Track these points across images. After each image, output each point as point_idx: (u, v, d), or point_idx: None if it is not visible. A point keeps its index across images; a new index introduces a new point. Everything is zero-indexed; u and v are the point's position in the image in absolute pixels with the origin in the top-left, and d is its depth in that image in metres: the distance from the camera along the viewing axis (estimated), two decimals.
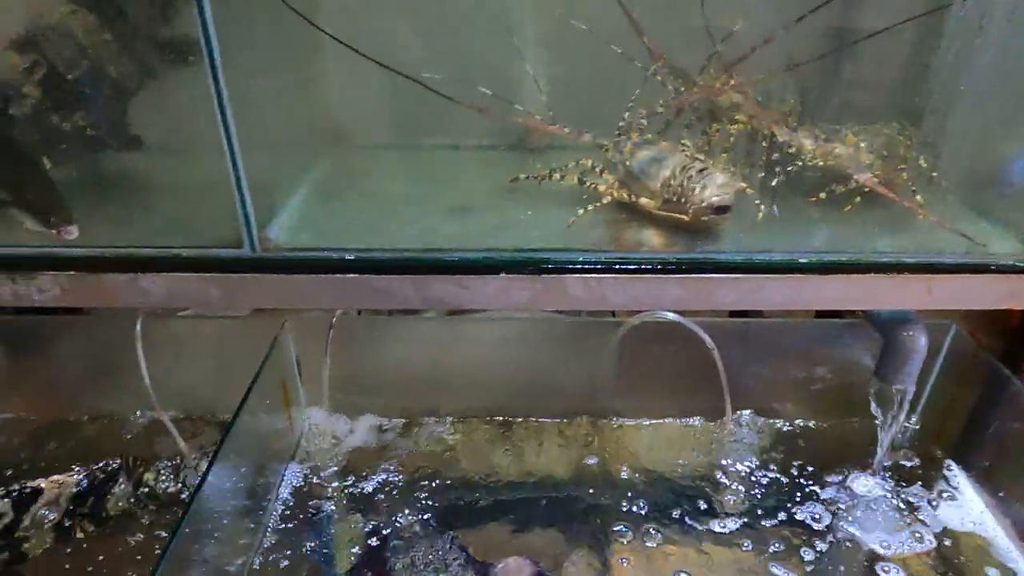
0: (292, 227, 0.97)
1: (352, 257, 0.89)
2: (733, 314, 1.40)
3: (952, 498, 1.05)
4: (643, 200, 0.98)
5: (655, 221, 1.01)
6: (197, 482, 0.79)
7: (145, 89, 0.92)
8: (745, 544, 0.99)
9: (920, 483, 1.08)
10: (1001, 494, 1.02)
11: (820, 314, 1.30)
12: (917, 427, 1.17)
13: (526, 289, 0.92)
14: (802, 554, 0.97)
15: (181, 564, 0.77)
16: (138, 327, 1.02)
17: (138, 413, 1.17)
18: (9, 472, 1.09)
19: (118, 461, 1.08)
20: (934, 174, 1.06)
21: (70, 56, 0.88)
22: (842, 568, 0.96)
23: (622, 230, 0.99)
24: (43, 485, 1.06)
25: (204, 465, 0.92)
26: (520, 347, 1.21)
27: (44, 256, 0.88)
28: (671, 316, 1.12)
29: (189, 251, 0.89)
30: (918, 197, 1.03)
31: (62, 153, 0.91)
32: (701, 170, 0.92)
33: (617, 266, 0.91)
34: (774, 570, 0.95)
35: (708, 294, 0.93)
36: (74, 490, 1.06)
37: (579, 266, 0.91)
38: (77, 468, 1.09)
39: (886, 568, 0.95)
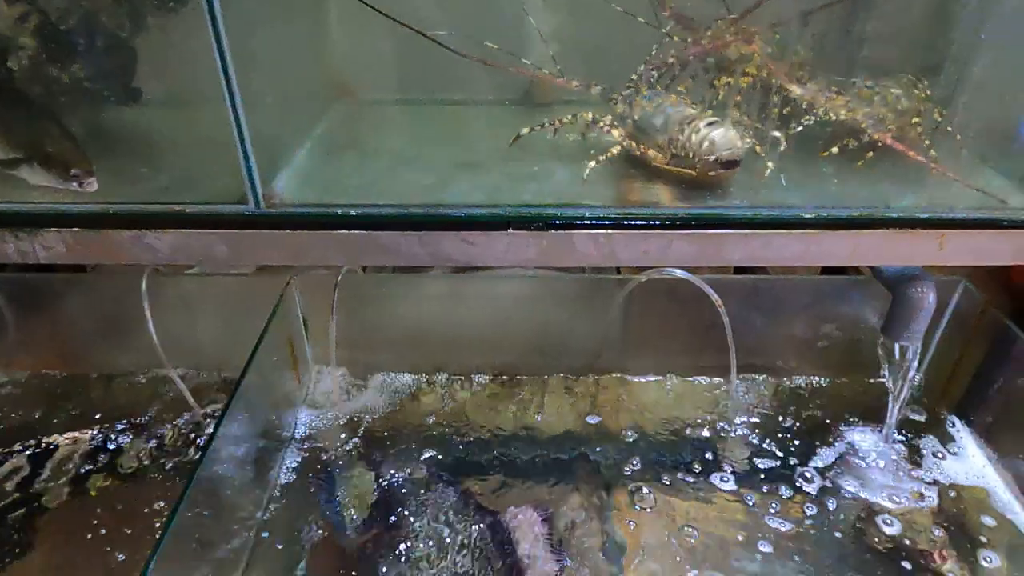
0: (298, 183, 0.96)
1: (358, 213, 0.89)
2: (738, 271, 1.40)
3: (955, 453, 1.06)
4: (651, 153, 0.96)
5: (664, 176, 0.99)
6: (205, 441, 0.79)
7: (141, 38, 0.90)
8: (748, 498, 1.01)
9: (924, 438, 1.09)
10: (1003, 449, 1.02)
11: (826, 271, 1.29)
12: (922, 382, 1.17)
13: (533, 245, 0.92)
14: (805, 509, 0.99)
15: (190, 523, 0.78)
16: (144, 284, 1.02)
17: (147, 370, 1.18)
18: (23, 428, 1.10)
19: (129, 419, 1.09)
20: (949, 128, 1.04)
21: (61, 4, 0.85)
22: (844, 522, 0.97)
23: (631, 185, 0.98)
24: (59, 441, 1.08)
25: (213, 422, 0.93)
26: (526, 304, 1.21)
27: (48, 212, 0.87)
28: (678, 273, 1.11)
29: (194, 207, 0.88)
30: (932, 152, 1.02)
31: (63, 107, 0.90)
32: (709, 123, 0.91)
33: (626, 222, 0.91)
34: (776, 524, 0.96)
35: (717, 250, 0.93)
36: (89, 446, 1.07)
37: (587, 222, 0.90)
38: (91, 425, 1.10)
39: (888, 521, 0.97)
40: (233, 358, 1.02)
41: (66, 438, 1.08)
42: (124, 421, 1.10)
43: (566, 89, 1.10)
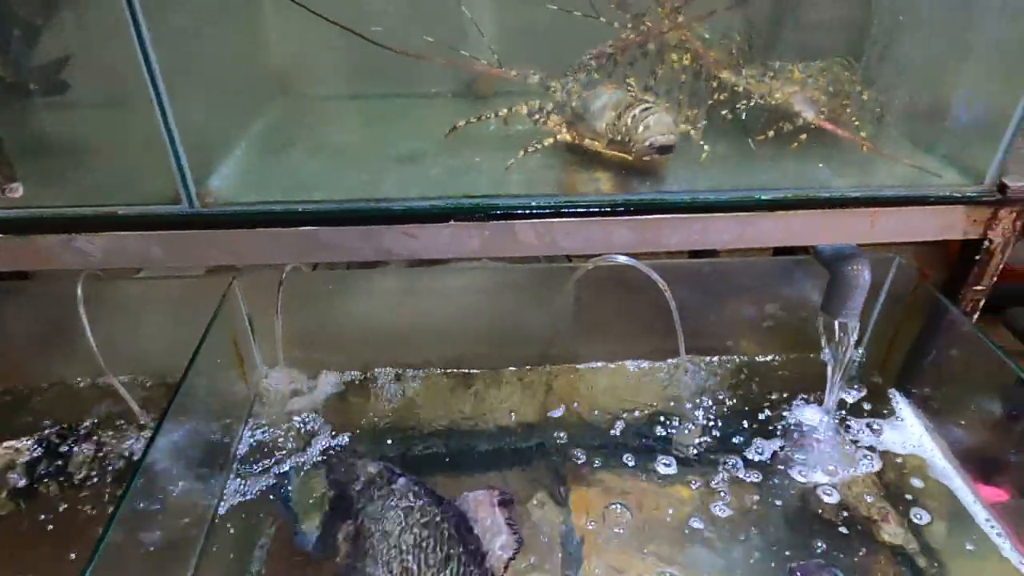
0: (235, 181, 0.95)
1: (296, 210, 0.88)
2: (694, 255, 1.42)
3: (893, 424, 1.10)
4: (588, 140, 0.97)
5: (604, 163, 1.01)
6: (142, 450, 0.78)
7: (60, 31, 0.87)
8: (695, 476, 1.02)
9: (864, 411, 1.12)
10: (938, 417, 1.06)
11: (778, 251, 1.32)
12: (863, 358, 1.21)
13: (476, 236, 0.92)
14: (750, 484, 1.01)
15: (136, 526, 0.77)
16: (79, 290, 0.99)
17: (88, 379, 1.15)
18: None
19: (72, 427, 1.07)
20: (877, 110, 1.07)
21: None
22: (788, 495, 1.00)
23: (571, 173, 0.99)
24: None
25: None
26: (480, 296, 1.21)
27: None
28: (623, 259, 1.12)
29: (126, 209, 0.86)
30: (862, 133, 1.05)
31: None
32: (644, 109, 0.92)
33: (566, 210, 0.91)
34: (724, 501, 0.98)
35: (656, 235, 0.94)
36: (28, 457, 1.04)
37: (528, 211, 0.91)
38: (32, 434, 1.07)
39: (828, 491, 0.99)
40: (181, 363, 1.00)
41: (4, 447, 1.05)
42: (61, 427, 1.08)
43: (510, 80, 1.11)
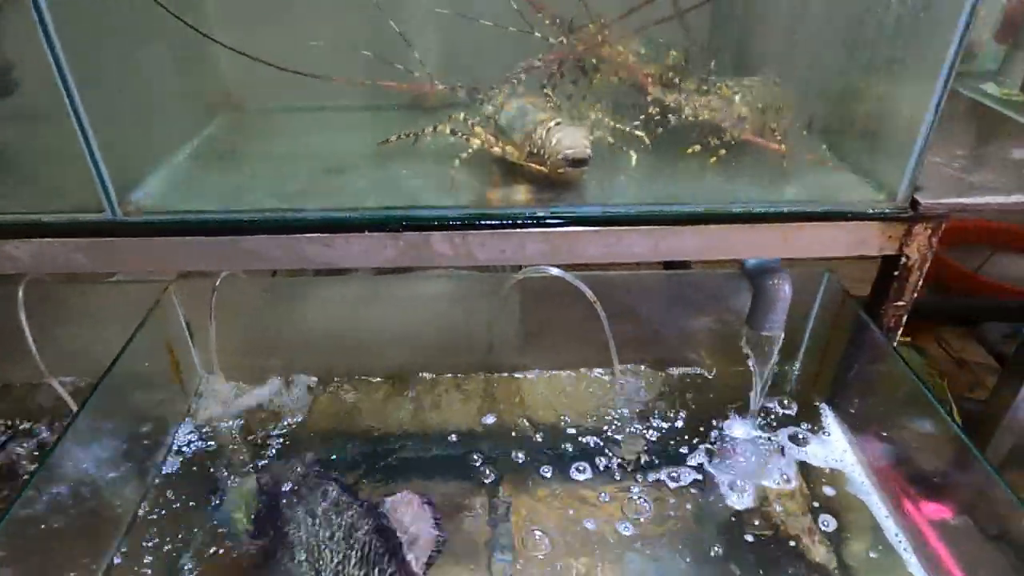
0: (164, 190, 0.98)
1: (216, 219, 0.91)
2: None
3: (820, 438, 1.10)
4: (508, 150, 0.99)
5: (527, 176, 1.02)
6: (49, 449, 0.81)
7: None
8: (625, 485, 1.03)
9: (793, 425, 1.12)
10: (859, 433, 1.06)
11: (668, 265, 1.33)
12: (798, 372, 1.21)
13: (391, 247, 0.94)
14: (673, 498, 1.01)
15: (44, 523, 0.80)
16: (20, 294, 1.03)
17: (36, 380, 1.18)
18: None
19: (11, 424, 1.10)
20: (804, 130, 1.08)
21: None
22: (707, 505, 1.00)
23: (493, 186, 1.01)
24: None
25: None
26: (420, 304, 1.23)
27: None
28: (555, 271, 1.14)
29: (51, 216, 0.89)
30: (782, 147, 1.05)
31: None
32: (557, 123, 0.94)
33: (480, 221, 0.93)
34: (648, 514, 0.99)
35: (570, 247, 0.96)
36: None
37: (442, 222, 0.93)
38: None
39: (744, 503, 1.00)
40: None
41: None
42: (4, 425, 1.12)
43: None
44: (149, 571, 0.91)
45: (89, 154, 0.85)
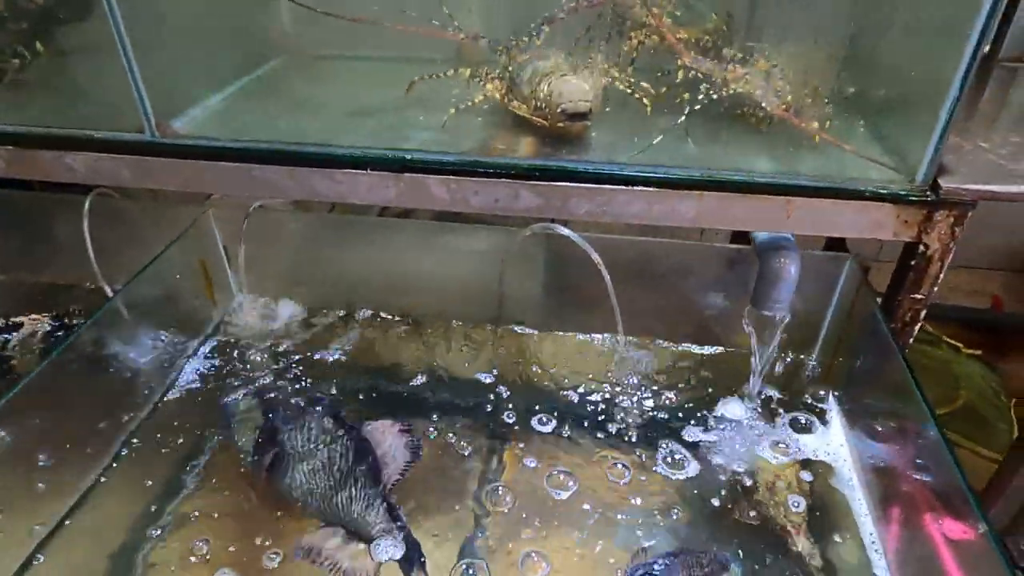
0: (203, 120, 1.08)
1: (234, 147, 0.99)
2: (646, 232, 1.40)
3: (819, 429, 1.04)
4: (516, 103, 1.01)
5: (535, 130, 1.03)
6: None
7: None
8: (616, 461, 1.03)
9: (793, 411, 1.07)
10: (855, 430, 1.00)
11: (736, 237, 1.27)
12: (813, 360, 1.15)
13: (392, 187, 0.99)
14: (658, 461, 1.01)
15: (70, 390, 0.93)
16: (87, 204, 1.17)
17: (89, 284, 1.34)
18: None
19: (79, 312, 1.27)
20: (826, 100, 1.01)
21: None
22: (689, 478, 0.99)
23: (498, 135, 1.03)
24: (23, 320, 1.27)
25: None
26: (458, 254, 1.27)
27: None
28: (565, 231, 1.15)
29: (101, 133, 1.01)
30: (816, 128, 0.99)
31: None
32: (561, 76, 0.94)
33: (476, 169, 0.96)
34: (637, 490, 0.99)
35: (562, 202, 0.96)
36: (48, 327, 1.26)
37: (440, 167, 0.96)
38: (48, 311, 1.29)
39: (726, 483, 0.98)
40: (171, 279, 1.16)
41: (30, 318, 1.27)
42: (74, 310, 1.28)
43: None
44: (164, 452, 1.03)
45: (133, 82, 0.96)
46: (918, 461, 0.86)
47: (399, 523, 0.91)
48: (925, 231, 0.90)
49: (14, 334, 1.25)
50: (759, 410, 1.08)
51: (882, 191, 0.88)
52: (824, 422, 1.06)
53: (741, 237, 1.48)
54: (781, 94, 1.00)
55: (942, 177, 0.87)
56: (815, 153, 0.96)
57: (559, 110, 0.93)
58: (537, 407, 1.12)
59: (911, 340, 0.99)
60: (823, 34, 1.03)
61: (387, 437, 1.03)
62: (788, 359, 1.16)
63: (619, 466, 1.02)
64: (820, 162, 0.94)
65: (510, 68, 1.03)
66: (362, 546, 0.90)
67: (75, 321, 1.28)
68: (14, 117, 1.04)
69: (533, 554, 0.90)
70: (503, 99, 1.02)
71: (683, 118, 0.96)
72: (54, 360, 0.88)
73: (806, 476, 0.98)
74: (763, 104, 1.00)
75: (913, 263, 0.92)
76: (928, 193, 0.87)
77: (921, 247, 0.91)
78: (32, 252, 1.36)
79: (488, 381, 1.18)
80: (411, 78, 1.25)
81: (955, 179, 0.86)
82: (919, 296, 0.95)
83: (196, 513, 0.96)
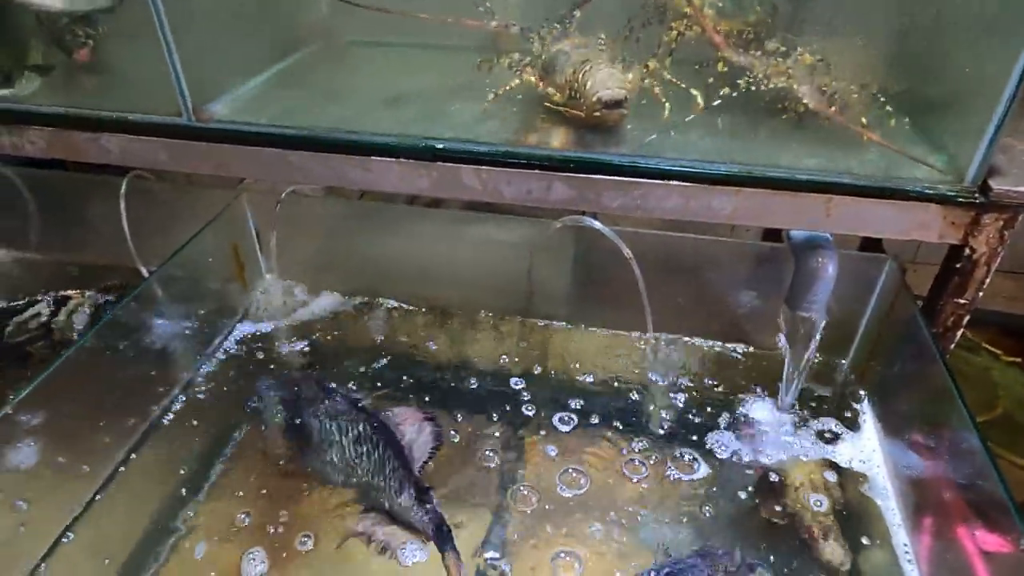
0: (240, 105, 1.08)
1: (268, 133, 0.99)
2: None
3: (852, 435, 1.02)
4: (550, 91, 1.00)
5: (570, 121, 1.02)
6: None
7: None
8: (641, 455, 1.02)
9: (826, 416, 1.05)
10: (890, 437, 0.98)
11: (767, 234, 1.25)
12: (848, 362, 1.12)
13: (424, 176, 0.98)
14: (690, 474, 0.99)
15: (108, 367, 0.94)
16: (124, 186, 1.19)
17: (126, 265, 1.35)
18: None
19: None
20: (877, 95, 0.98)
21: None
22: (728, 487, 0.97)
23: (531, 127, 1.01)
24: (71, 294, 1.30)
25: None
26: (489, 245, 1.27)
27: (29, 112, 1.05)
28: (596, 224, 1.13)
29: (137, 116, 1.02)
30: (860, 120, 0.96)
31: None
32: (596, 65, 0.93)
33: (509, 160, 0.95)
34: (663, 485, 0.98)
35: (596, 195, 0.95)
36: (100, 300, 1.28)
37: (472, 156, 0.95)
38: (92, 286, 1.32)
39: (753, 485, 0.96)
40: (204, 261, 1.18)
41: (77, 292, 1.30)
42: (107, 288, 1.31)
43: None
44: (194, 432, 1.05)
45: (171, 66, 0.96)
46: (956, 470, 0.84)
47: (429, 504, 0.92)
48: (972, 234, 0.87)
49: (61, 310, 1.28)
50: (789, 412, 1.06)
51: (929, 191, 0.85)
52: (857, 427, 1.03)
53: (772, 235, 1.46)
54: (826, 89, 0.98)
55: (992, 178, 0.83)
56: (858, 150, 0.93)
57: (595, 98, 0.92)
58: (562, 401, 1.11)
59: (952, 346, 0.96)
60: (871, 29, 0.99)
61: (411, 423, 1.03)
62: (822, 362, 1.13)
63: (643, 464, 1.00)
64: (863, 160, 0.91)
65: (543, 57, 1.02)
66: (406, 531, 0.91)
67: (103, 299, 1.30)
68: (59, 99, 1.06)
69: (562, 553, 0.89)
70: (537, 83, 1.01)
71: (700, 103, 0.94)
72: (90, 338, 0.90)
73: (836, 481, 0.96)
74: (805, 100, 0.97)
75: (958, 266, 0.89)
76: (977, 195, 0.84)
77: (967, 250, 0.88)
78: (69, 232, 1.38)
79: (513, 373, 1.17)
80: (445, 65, 1.25)
81: (1006, 181, 0.83)
82: (963, 301, 0.92)
83: (227, 492, 0.97)
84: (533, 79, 1.02)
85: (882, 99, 0.99)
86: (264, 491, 0.97)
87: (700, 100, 0.97)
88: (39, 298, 1.29)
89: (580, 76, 0.93)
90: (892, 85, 1.01)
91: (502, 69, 1.07)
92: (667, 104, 0.98)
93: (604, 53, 0.97)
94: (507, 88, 1.01)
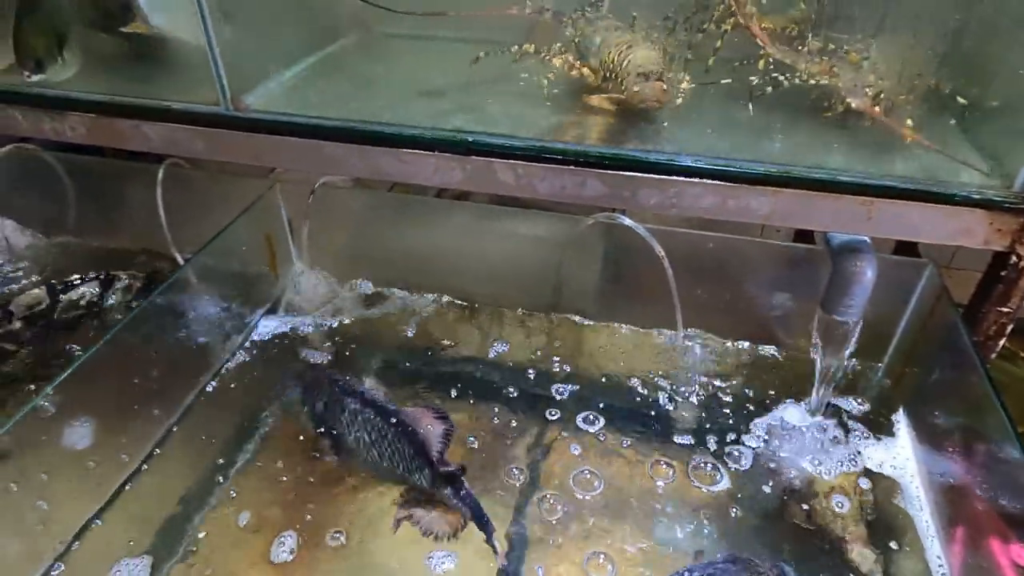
0: (278, 95, 1.09)
1: (306, 123, 1.00)
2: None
3: (886, 442, 1.00)
4: (586, 72, 1.00)
5: (606, 116, 1.01)
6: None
7: None
8: (670, 451, 1.01)
9: (860, 422, 1.03)
10: (926, 446, 0.96)
11: (799, 236, 1.23)
12: (883, 369, 1.10)
13: (458, 169, 0.98)
14: (715, 476, 0.98)
15: (140, 354, 0.96)
16: (160, 173, 1.20)
17: (160, 251, 1.37)
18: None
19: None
20: (924, 97, 0.96)
21: None
22: (758, 491, 0.96)
23: (568, 122, 1.01)
24: (121, 274, 1.32)
25: None
26: (514, 240, 1.27)
27: (71, 99, 1.06)
28: (628, 222, 1.12)
29: (179, 104, 1.03)
30: (906, 122, 0.94)
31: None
32: (628, 46, 0.93)
33: (543, 155, 0.94)
34: (688, 488, 0.97)
35: (631, 193, 0.94)
36: (141, 283, 1.31)
37: (506, 151, 0.95)
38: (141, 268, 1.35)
39: (781, 491, 0.95)
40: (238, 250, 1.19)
41: (127, 272, 1.33)
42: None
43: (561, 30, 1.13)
44: (229, 415, 1.06)
45: (211, 55, 0.97)
46: (992, 481, 0.82)
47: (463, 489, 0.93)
48: (1020, 241, 0.84)
49: (110, 290, 1.31)
50: (821, 417, 1.05)
51: (975, 196, 0.83)
52: (891, 434, 1.01)
53: (803, 236, 1.43)
54: (872, 89, 0.96)
55: None
56: (901, 153, 0.91)
57: (635, 73, 0.91)
58: (589, 399, 1.10)
59: (993, 355, 0.94)
60: (920, 28, 0.97)
61: (424, 421, 1.03)
62: (856, 367, 1.11)
63: (669, 466, 1.00)
64: (906, 162, 0.89)
65: (576, 40, 1.01)
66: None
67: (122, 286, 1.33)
68: (101, 86, 1.07)
69: (594, 554, 0.89)
70: (570, 68, 1.00)
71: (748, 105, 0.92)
72: (126, 323, 0.91)
73: (869, 489, 0.95)
74: (849, 99, 0.96)
75: (1003, 274, 0.87)
76: None
77: (1014, 258, 0.86)
78: (105, 217, 1.41)
79: (541, 370, 1.17)
80: (471, 57, 1.24)
81: None
82: (1006, 309, 0.90)
83: (254, 478, 0.98)
84: (568, 64, 1.02)
85: (929, 101, 0.98)
86: (293, 478, 0.98)
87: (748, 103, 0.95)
88: (89, 276, 1.32)
89: (617, 56, 0.93)
90: (940, 86, 0.99)
91: (536, 58, 1.06)
92: (679, 95, 0.96)
93: (639, 35, 0.97)
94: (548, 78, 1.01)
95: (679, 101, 0.98)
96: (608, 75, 0.94)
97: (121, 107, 1.05)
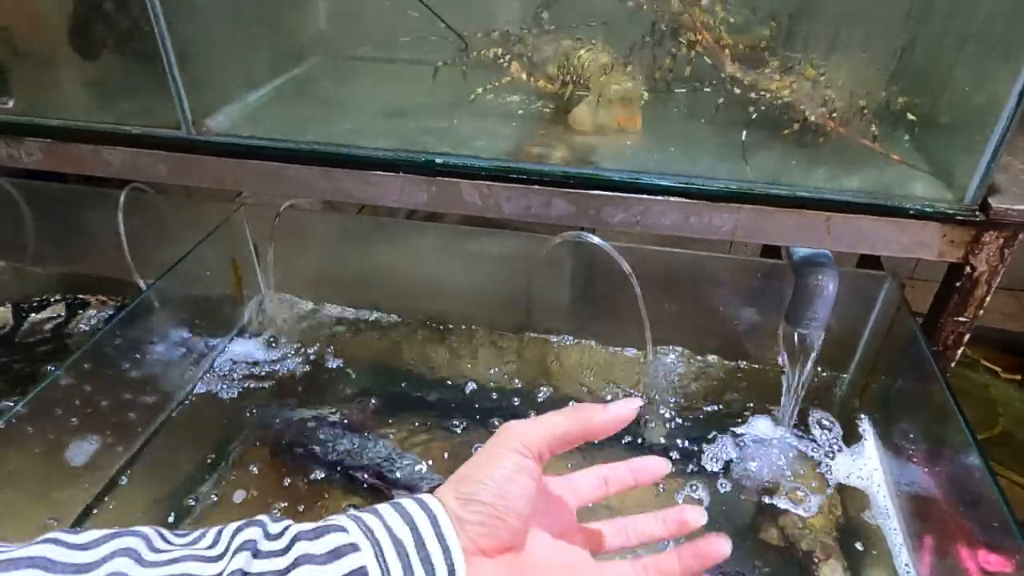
0: (239, 118, 1.08)
1: (269, 146, 0.99)
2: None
3: (851, 452, 1.01)
4: (541, 84, 1.02)
5: (570, 136, 1.02)
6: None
7: None
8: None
9: (825, 432, 1.04)
10: (891, 455, 0.97)
11: (766, 251, 1.24)
12: (847, 380, 1.12)
13: (423, 191, 0.98)
14: (690, 485, 0.98)
15: (97, 383, 0.93)
16: (122, 198, 1.18)
17: (123, 279, 1.34)
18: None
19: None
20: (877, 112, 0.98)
21: None
22: (724, 506, 0.96)
23: (532, 143, 1.02)
24: (91, 299, 1.29)
25: None
26: (481, 259, 1.27)
27: (27, 124, 1.05)
28: (595, 240, 1.13)
29: (139, 129, 1.02)
30: (874, 142, 0.96)
31: None
32: (587, 50, 0.96)
33: (509, 175, 0.95)
34: (659, 491, 0.97)
35: (596, 211, 0.95)
36: (113, 309, 1.28)
37: (472, 172, 0.95)
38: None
39: (751, 505, 0.95)
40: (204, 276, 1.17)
41: (97, 298, 1.31)
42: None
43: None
44: (188, 449, 1.04)
45: (171, 79, 0.97)
46: (957, 488, 0.83)
47: None
48: (972, 252, 0.87)
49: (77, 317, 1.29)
50: (789, 429, 1.06)
51: (928, 209, 0.85)
52: (857, 444, 1.03)
53: (770, 251, 1.46)
54: (828, 103, 0.98)
55: (992, 197, 0.84)
56: (858, 169, 0.93)
57: (596, 66, 0.93)
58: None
59: (952, 364, 0.96)
60: (872, 45, 1.00)
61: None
62: (820, 379, 1.13)
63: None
64: (863, 179, 0.91)
65: (529, 53, 1.03)
66: None
67: (90, 312, 1.30)
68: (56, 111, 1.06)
69: None
70: (527, 78, 1.02)
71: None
72: (85, 351, 0.89)
73: (836, 500, 0.96)
74: (808, 114, 0.98)
75: (958, 285, 0.89)
76: (977, 213, 0.84)
77: (967, 269, 0.88)
78: (66, 244, 1.38)
79: (512, 388, 1.16)
80: (442, 79, 1.25)
81: (1006, 199, 0.83)
82: (963, 319, 0.92)
83: (222, 507, 0.96)
84: (519, 71, 1.04)
85: (880, 117, 1.00)
86: (260, 508, 0.96)
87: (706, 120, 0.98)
88: (56, 299, 1.30)
89: (576, 60, 0.95)
90: (892, 103, 1.02)
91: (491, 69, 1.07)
92: (666, 121, 0.98)
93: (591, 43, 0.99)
94: (506, 80, 1.02)
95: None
96: (575, 79, 0.96)
97: (80, 132, 1.03)
